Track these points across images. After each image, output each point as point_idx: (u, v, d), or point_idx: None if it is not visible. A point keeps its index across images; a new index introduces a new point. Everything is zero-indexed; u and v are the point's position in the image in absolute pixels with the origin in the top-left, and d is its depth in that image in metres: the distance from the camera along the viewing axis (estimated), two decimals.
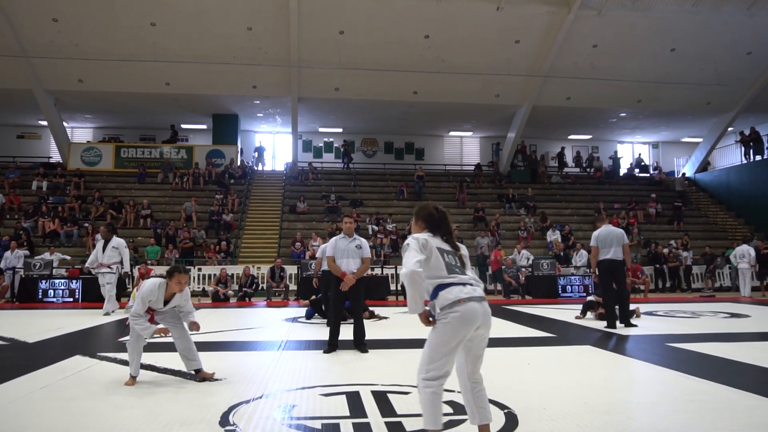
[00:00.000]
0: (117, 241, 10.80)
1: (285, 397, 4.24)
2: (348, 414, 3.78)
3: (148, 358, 5.76)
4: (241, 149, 24.02)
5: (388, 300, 14.40)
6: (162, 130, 23.98)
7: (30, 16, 17.26)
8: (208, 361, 5.56)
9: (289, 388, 4.55)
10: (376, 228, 18.79)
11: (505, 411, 3.80)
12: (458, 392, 4.29)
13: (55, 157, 23.23)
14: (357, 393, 4.35)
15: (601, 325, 8.48)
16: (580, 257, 16.23)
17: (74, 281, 13.89)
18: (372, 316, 9.81)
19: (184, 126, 24.41)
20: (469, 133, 27.02)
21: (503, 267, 15.66)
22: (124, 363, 5.41)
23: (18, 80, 19.25)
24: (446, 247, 3.05)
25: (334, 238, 6.61)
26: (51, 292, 13.67)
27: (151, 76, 19.33)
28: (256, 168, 23.90)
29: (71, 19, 17.38)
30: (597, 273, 8.62)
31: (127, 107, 22.02)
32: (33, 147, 24.36)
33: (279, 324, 9.33)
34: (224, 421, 3.58)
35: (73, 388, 4.50)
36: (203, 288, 15.55)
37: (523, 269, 15.63)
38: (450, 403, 4.03)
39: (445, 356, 2.88)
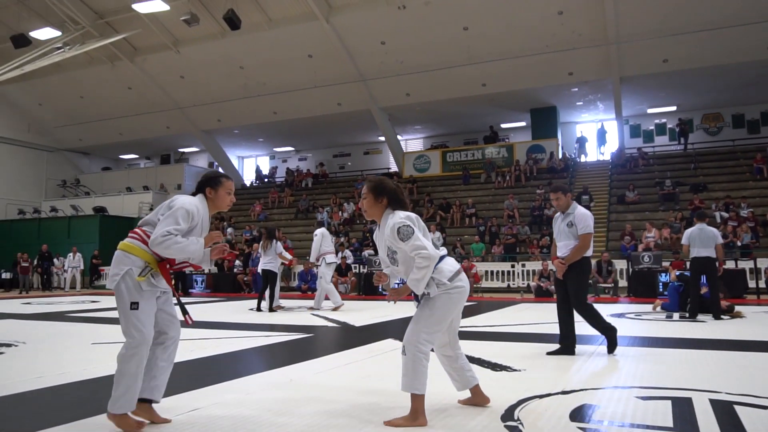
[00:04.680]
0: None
1: (589, 395, 3.50)
2: (671, 425, 2.88)
3: None
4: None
5: (745, 298, 11.90)
6: (482, 132, 24.62)
7: (363, 44, 19.52)
8: (515, 350, 5.12)
9: (597, 385, 3.78)
10: (726, 214, 15.90)
11: None
12: None
13: (393, 167, 25.86)
14: (688, 400, 3.36)
15: None
16: None
17: None
18: (730, 311, 8.30)
19: (503, 125, 24.65)
20: None
21: None
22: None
23: (359, 102, 22.00)
24: None
25: (554, 217, 5.43)
26: None
27: (467, 79, 19.97)
28: (578, 159, 22.73)
29: (395, 39, 19.07)
30: None
31: (449, 113, 23.21)
32: (376, 160, 27.64)
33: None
34: (508, 414, 3.06)
35: (371, 367, 4.53)
36: (527, 284, 15.22)
37: None
38: None
39: (442, 326, 3.00)
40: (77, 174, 29.15)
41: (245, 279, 17.01)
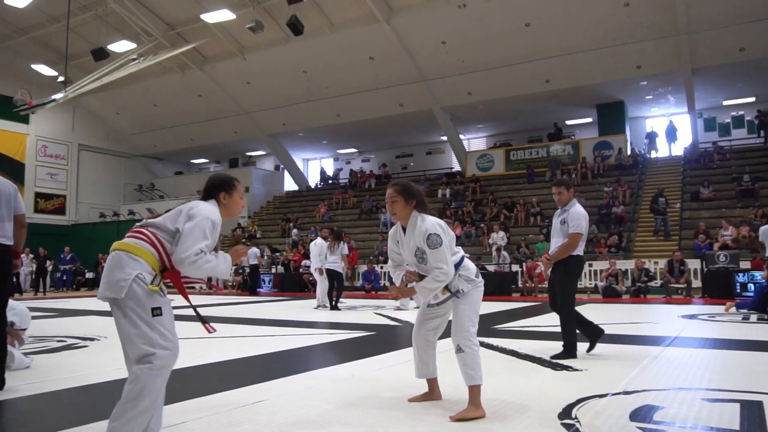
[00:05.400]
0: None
1: (652, 396, 3.43)
2: (737, 428, 2.79)
3: (512, 344, 5.59)
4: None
5: None
6: (546, 129, 24.15)
7: (424, 44, 19.54)
8: (577, 351, 5.02)
9: (661, 386, 3.69)
10: None
11: None
12: None
13: (456, 167, 25.75)
14: (759, 403, 3.24)
15: None
16: None
17: None
18: None
19: (568, 122, 24.09)
20: None
21: None
22: (493, 348, 5.33)
23: (421, 103, 22.03)
24: None
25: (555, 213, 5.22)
26: None
27: (530, 76, 19.63)
28: (648, 155, 21.94)
29: (456, 39, 18.99)
30: None
31: (512, 111, 22.89)
32: (438, 160, 27.59)
33: (673, 320, 8.08)
34: (565, 413, 3.05)
35: None
36: (595, 284, 14.84)
37: None
38: None
39: (478, 317, 3.23)
40: (152, 178, 30.61)
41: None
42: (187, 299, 2.59)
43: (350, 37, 19.70)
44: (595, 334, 4.97)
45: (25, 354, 4.80)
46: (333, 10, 19.38)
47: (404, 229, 3.23)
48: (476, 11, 17.81)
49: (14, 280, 17.11)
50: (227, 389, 3.75)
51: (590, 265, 15.39)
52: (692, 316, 8.50)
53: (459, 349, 3.10)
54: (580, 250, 4.91)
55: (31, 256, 19.44)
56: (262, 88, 23.16)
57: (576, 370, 4.28)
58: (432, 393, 3.42)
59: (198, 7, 19.48)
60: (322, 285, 11.13)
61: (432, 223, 3.10)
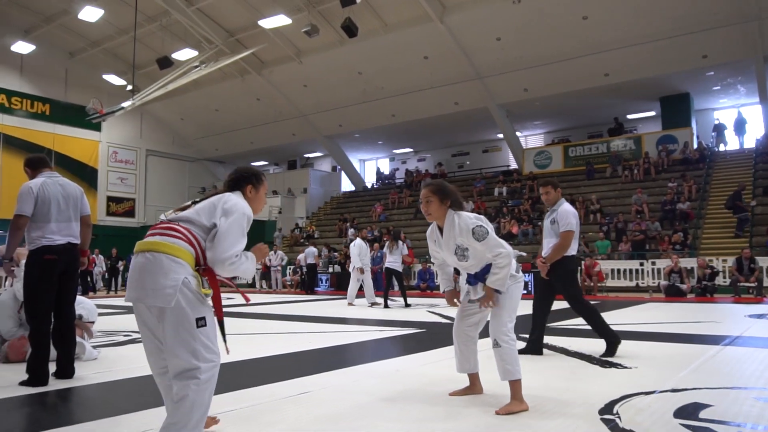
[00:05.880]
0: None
1: (701, 394, 3.34)
2: None
3: (562, 341, 5.52)
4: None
5: None
6: (606, 124, 23.48)
7: (478, 41, 19.36)
8: (629, 349, 4.91)
9: (713, 385, 3.58)
10: None
11: None
12: None
13: (512, 164, 25.39)
14: None
15: None
16: None
17: (526, 275, 14.76)
18: None
19: (629, 117, 23.33)
20: None
21: None
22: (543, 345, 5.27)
23: (476, 101, 21.83)
24: None
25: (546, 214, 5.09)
26: None
27: (588, 70, 19.14)
28: (716, 149, 21.00)
29: (511, 34, 18.74)
30: None
31: (571, 107, 22.38)
32: (495, 158, 27.28)
33: (738, 319, 7.76)
34: (607, 408, 3.01)
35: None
36: (658, 283, 14.35)
37: None
38: None
39: (517, 312, 3.25)
40: (214, 181, 31.61)
41: None
42: (220, 304, 2.42)
43: (404, 37, 19.77)
44: (532, 346, 4.91)
45: (94, 347, 5.11)
46: (386, 11, 19.51)
47: (440, 230, 3.26)
48: (531, 6, 17.51)
49: (88, 279, 18.12)
50: (275, 381, 3.89)
51: (653, 263, 14.91)
52: (760, 316, 8.13)
53: (496, 344, 3.12)
54: (573, 250, 4.85)
55: (102, 257, 20.45)
56: (319, 91, 23.56)
57: (625, 367, 4.20)
58: (473, 387, 3.45)
59: (256, 13, 20.02)
60: (354, 283, 11.64)
61: (470, 218, 3.14)
